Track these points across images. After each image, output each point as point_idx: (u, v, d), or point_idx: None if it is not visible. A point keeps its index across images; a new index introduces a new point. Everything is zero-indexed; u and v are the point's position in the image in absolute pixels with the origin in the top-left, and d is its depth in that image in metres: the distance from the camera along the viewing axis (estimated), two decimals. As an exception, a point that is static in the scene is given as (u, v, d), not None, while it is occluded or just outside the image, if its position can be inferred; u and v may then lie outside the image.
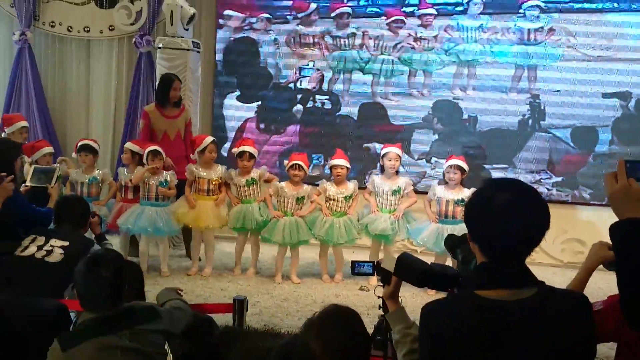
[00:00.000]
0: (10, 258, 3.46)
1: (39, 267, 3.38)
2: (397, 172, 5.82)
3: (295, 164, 5.70)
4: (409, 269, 2.14)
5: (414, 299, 5.09)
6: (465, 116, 7.16)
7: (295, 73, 7.48)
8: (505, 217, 1.66)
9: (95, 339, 2.32)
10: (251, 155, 5.80)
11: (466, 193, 5.56)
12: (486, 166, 7.11)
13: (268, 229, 5.72)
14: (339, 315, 1.94)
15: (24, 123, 6.00)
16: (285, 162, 5.97)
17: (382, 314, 2.45)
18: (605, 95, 6.86)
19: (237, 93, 7.64)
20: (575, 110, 6.92)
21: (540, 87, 6.99)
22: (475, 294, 1.68)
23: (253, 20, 7.50)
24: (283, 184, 5.78)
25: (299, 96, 7.48)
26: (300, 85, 7.49)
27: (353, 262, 2.49)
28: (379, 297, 2.45)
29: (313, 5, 7.37)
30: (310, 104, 7.48)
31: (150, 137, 6.05)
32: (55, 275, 3.33)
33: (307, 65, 7.45)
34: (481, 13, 7.05)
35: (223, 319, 3.37)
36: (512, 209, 1.66)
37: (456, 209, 5.56)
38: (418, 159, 7.27)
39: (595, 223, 6.79)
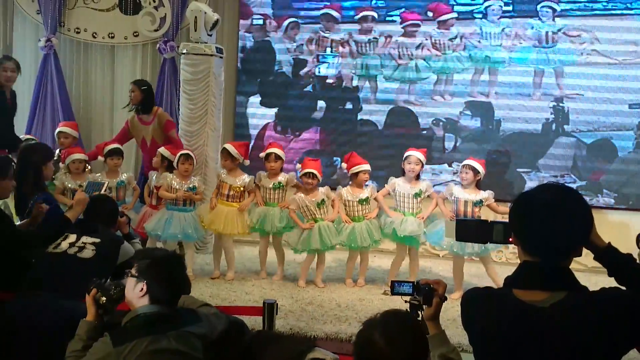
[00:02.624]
0: (43, 255, 3.53)
1: (73, 263, 3.45)
2: (418, 177, 5.81)
3: (309, 172, 5.72)
4: (468, 227, 2.22)
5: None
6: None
7: (314, 61, 7.50)
8: (546, 214, 1.73)
9: (145, 338, 2.37)
10: (277, 157, 5.85)
11: (483, 195, 5.54)
12: (519, 169, 7.09)
13: (303, 241, 5.69)
14: (402, 317, 1.97)
15: (60, 129, 6.20)
16: (298, 166, 5.96)
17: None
18: (633, 106, 6.80)
19: (259, 98, 7.69)
20: (600, 114, 6.87)
21: (564, 91, 6.95)
22: (513, 295, 1.75)
23: (275, 24, 7.56)
24: (301, 195, 5.76)
25: (322, 94, 7.52)
26: (319, 72, 7.51)
27: (392, 282, 2.49)
28: (405, 301, 2.46)
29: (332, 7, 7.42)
30: (332, 103, 7.49)
31: (122, 141, 6.42)
32: (88, 271, 3.39)
33: (326, 52, 7.47)
34: (502, 17, 7.03)
35: (248, 322, 3.41)
36: (553, 206, 1.73)
37: (474, 210, 5.53)
38: (440, 164, 7.26)
39: (619, 227, 6.72)
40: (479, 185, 5.63)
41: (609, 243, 1.97)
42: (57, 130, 6.39)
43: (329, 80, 7.49)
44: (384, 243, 6.11)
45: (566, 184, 1.97)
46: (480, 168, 5.56)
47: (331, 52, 7.44)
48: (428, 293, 2.19)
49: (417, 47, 7.23)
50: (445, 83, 7.21)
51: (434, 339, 2.08)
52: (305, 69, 7.54)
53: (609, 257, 1.97)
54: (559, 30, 6.91)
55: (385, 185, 5.91)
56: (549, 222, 1.73)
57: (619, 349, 1.72)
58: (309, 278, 5.88)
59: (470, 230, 2.18)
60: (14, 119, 6.30)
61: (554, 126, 7.00)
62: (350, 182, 5.88)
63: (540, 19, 6.94)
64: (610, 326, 1.68)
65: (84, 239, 3.57)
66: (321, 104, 7.54)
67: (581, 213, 1.77)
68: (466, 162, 5.64)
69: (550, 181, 2.05)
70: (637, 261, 2.03)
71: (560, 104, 6.96)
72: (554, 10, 6.90)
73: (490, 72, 7.10)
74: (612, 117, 6.85)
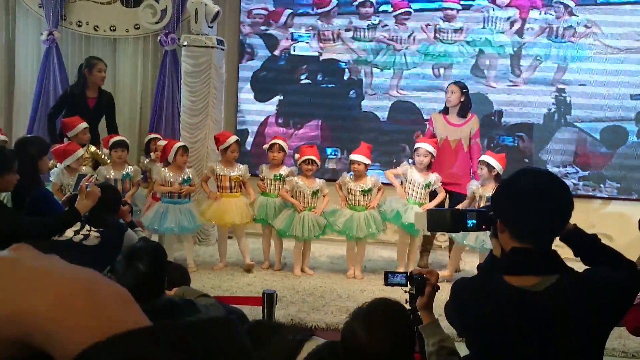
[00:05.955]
0: (48, 243, 3.55)
1: (78, 250, 3.49)
2: (429, 167, 5.76)
3: (308, 159, 5.74)
4: (441, 217, 2.18)
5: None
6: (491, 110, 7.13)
7: (287, 39, 7.47)
8: (536, 199, 1.75)
9: None
10: (280, 148, 5.90)
11: None
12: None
13: (285, 224, 5.74)
14: (388, 307, 1.95)
15: (86, 124, 6.00)
16: (296, 155, 5.98)
17: (409, 307, 2.47)
18: (635, 97, 6.77)
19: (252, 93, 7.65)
20: (602, 104, 6.85)
21: (566, 80, 6.92)
22: (504, 281, 1.76)
23: (275, 16, 7.54)
24: (297, 178, 5.81)
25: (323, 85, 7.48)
26: (294, 51, 7.48)
27: (386, 273, 2.50)
28: (405, 291, 2.47)
29: (334, 1, 7.38)
30: (333, 94, 7.44)
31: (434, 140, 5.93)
32: (93, 258, 3.42)
33: (300, 29, 7.44)
34: (507, 6, 6.99)
35: (249, 312, 3.43)
36: (541, 190, 1.76)
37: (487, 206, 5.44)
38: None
39: (622, 217, 6.72)
40: (499, 181, 5.39)
41: (575, 224, 2.00)
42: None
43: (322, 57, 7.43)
44: (386, 235, 6.12)
45: (548, 170, 2.00)
46: (495, 163, 5.36)
47: (334, 43, 7.41)
48: (420, 283, 2.19)
49: (412, 33, 7.18)
50: (446, 73, 7.17)
51: (427, 328, 2.09)
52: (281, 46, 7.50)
53: (575, 237, 2.00)
54: (563, 19, 6.88)
55: (398, 167, 5.91)
56: (540, 206, 1.74)
57: (608, 325, 1.78)
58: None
59: (444, 219, 2.16)
60: (98, 123, 6.45)
61: (556, 117, 6.98)
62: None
63: (545, 7, 6.91)
64: (602, 304, 1.73)
65: (88, 227, 3.62)
66: (321, 94, 7.52)
67: (565, 195, 1.80)
68: (481, 157, 5.53)
69: (551, 172, 2.06)
70: None
71: (563, 94, 6.94)
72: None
73: (492, 61, 7.07)
74: (614, 107, 6.83)
